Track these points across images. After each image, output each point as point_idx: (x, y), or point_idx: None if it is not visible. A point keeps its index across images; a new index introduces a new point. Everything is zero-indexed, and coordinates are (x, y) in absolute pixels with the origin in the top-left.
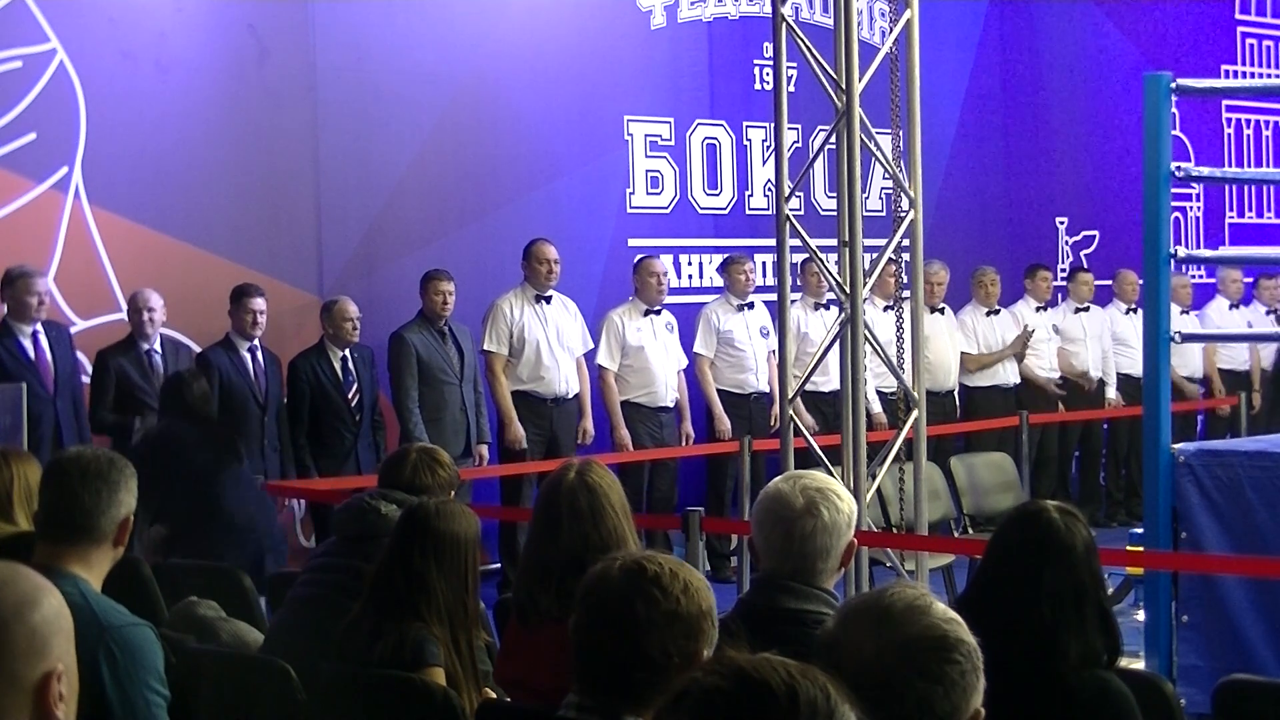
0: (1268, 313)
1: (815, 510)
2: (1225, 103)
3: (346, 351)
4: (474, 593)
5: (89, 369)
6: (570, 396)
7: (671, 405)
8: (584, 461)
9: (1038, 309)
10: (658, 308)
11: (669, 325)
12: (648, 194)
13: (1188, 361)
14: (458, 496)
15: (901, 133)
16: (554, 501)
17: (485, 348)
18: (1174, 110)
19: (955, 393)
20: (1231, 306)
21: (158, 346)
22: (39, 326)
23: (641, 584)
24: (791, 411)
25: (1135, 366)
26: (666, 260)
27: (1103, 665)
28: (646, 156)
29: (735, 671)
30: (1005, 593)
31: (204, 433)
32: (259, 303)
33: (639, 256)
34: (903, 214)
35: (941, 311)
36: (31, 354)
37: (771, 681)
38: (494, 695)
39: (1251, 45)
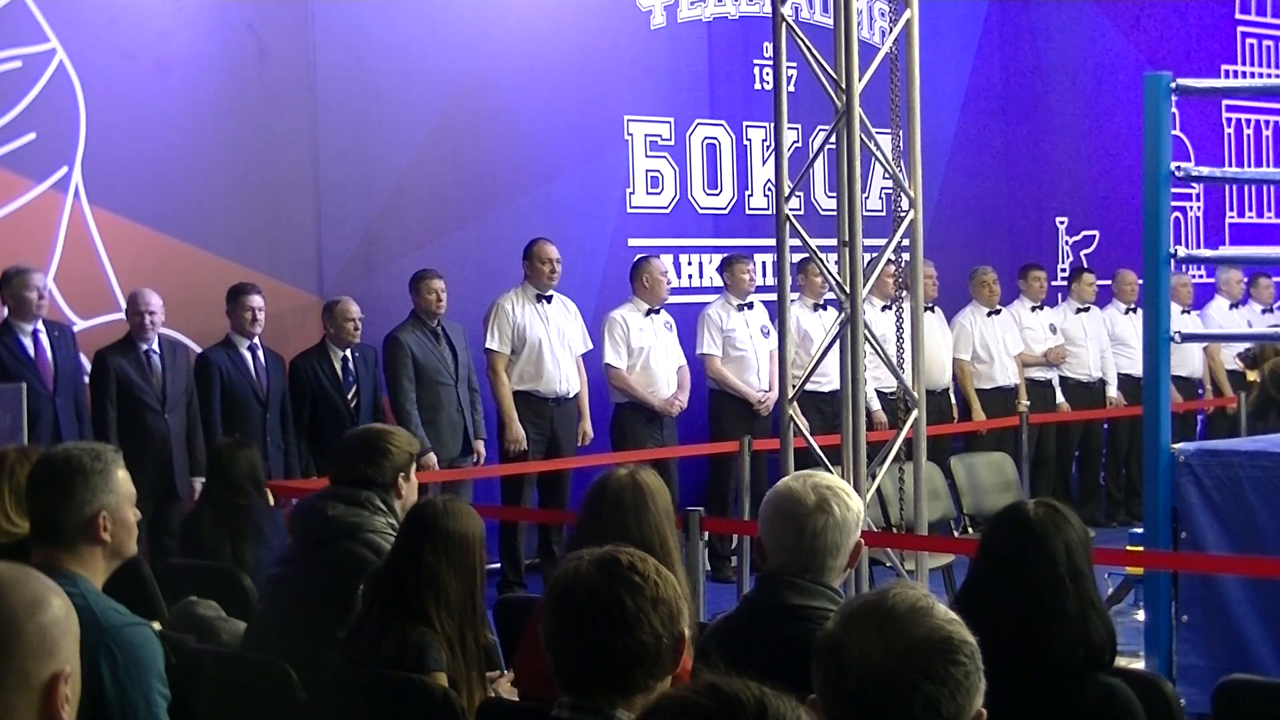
0: (1263, 311)
1: (827, 507)
2: (1225, 103)
3: (347, 352)
4: (481, 590)
5: (89, 369)
6: (571, 396)
7: None
8: (640, 465)
9: (1033, 308)
10: (658, 307)
11: (668, 325)
12: (648, 194)
13: (1187, 361)
14: (459, 495)
15: (901, 133)
16: (600, 495)
17: (488, 346)
18: (1174, 110)
19: (950, 391)
20: (1232, 306)
21: (156, 346)
22: (40, 325)
23: (621, 574)
24: (791, 411)
25: (1135, 366)
26: (666, 260)
27: (1102, 666)
28: (646, 156)
29: (709, 687)
30: (990, 593)
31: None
32: (257, 300)
33: (639, 257)
34: (902, 214)
35: (931, 310)
36: (31, 352)
37: (742, 695)
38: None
39: (1251, 45)
